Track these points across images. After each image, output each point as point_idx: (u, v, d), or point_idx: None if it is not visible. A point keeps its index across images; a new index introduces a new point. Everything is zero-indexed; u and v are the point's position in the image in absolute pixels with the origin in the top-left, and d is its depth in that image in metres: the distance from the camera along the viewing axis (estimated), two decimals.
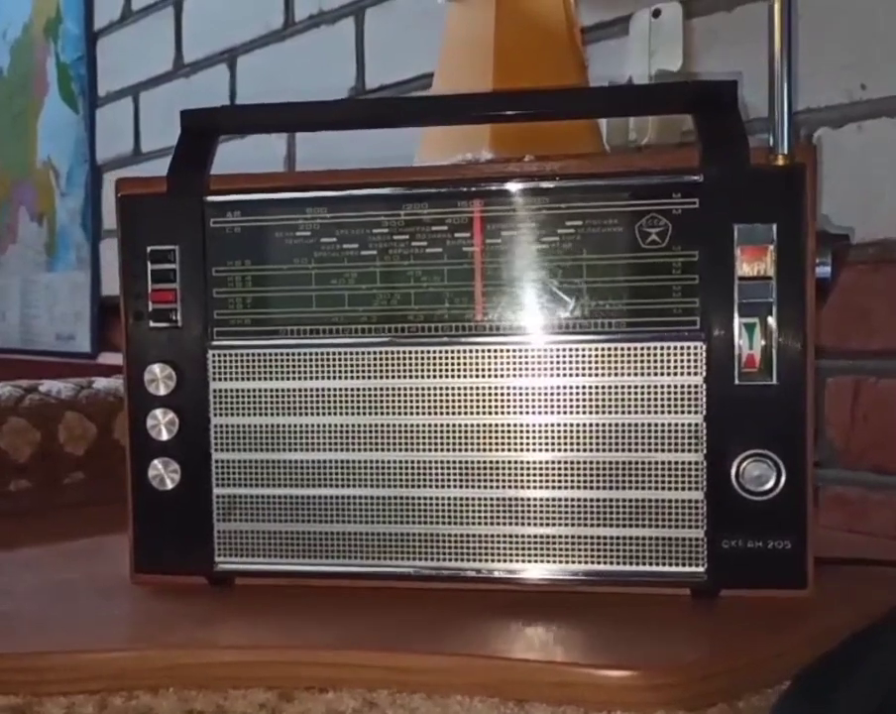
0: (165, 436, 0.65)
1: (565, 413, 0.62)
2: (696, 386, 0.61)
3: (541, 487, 0.62)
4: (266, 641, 0.56)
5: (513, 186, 0.62)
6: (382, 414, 0.64)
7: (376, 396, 0.64)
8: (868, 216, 0.85)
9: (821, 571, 0.62)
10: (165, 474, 0.65)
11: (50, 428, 0.92)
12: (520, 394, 0.62)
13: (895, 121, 0.85)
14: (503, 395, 0.62)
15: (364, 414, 0.64)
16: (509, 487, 0.63)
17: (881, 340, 0.86)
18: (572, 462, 0.62)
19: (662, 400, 0.61)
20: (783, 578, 0.61)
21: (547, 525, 0.62)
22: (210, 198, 0.65)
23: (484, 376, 0.63)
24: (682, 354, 0.61)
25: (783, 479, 0.60)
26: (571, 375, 0.62)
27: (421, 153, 0.83)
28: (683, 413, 0.61)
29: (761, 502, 0.60)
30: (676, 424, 0.61)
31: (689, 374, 0.61)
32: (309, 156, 1.40)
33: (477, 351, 0.63)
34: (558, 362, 0.62)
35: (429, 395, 0.63)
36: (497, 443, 0.63)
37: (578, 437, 0.62)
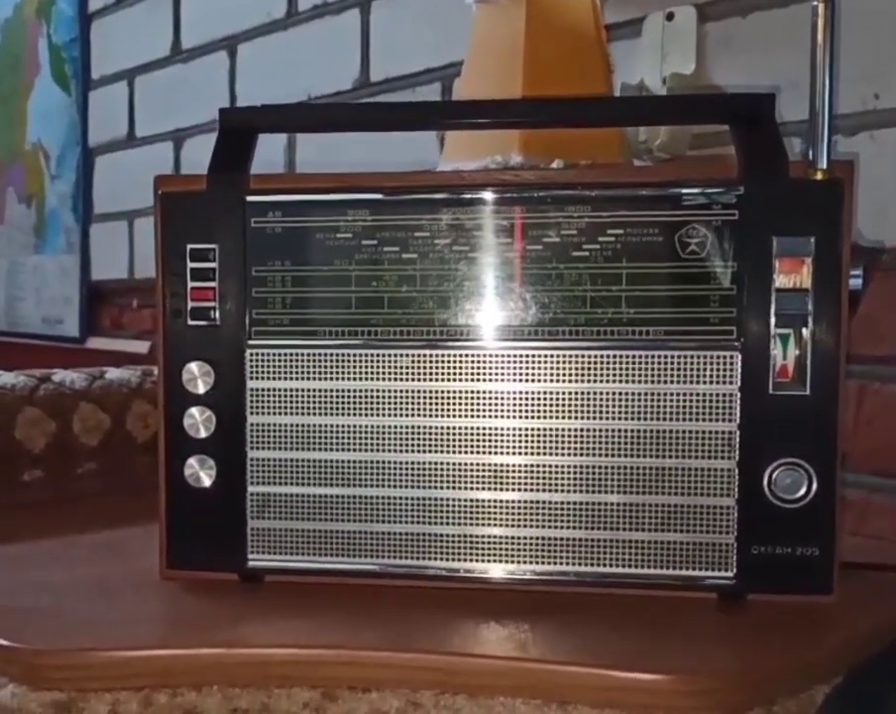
0: (202, 434, 0.65)
1: (601, 418, 0.63)
2: (731, 394, 0.62)
3: (576, 491, 0.63)
4: (310, 640, 0.57)
5: (555, 194, 0.63)
6: (418, 416, 0.64)
7: (413, 398, 0.64)
8: (878, 224, 0.87)
9: (839, 575, 0.63)
10: (201, 471, 0.66)
11: (65, 419, 0.92)
12: (559, 398, 0.63)
13: None
14: (540, 399, 0.63)
15: (401, 415, 0.64)
16: (543, 490, 0.64)
17: (888, 347, 0.88)
18: (607, 467, 0.63)
19: (697, 407, 0.62)
20: (810, 584, 0.62)
21: (580, 528, 0.63)
22: (251, 198, 0.65)
23: (523, 380, 0.63)
24: (718, 363, 0.62)
25: (814, 487, 0.61)
26: (608, 381, 0.63)
27: (448, 154, 0.84)
28: (717, 420, 0.62)
29: (792, 509, 0.61)
30: (710, 432, 0.62)
31: (724, 383, 0.62)
32: (306, 159, 1.40)
33: (515, 355, 0.63)
34: (596, 368, 0.63)
35: (467, 398, 0.64)
36: (533, 447, 0.63)
37: (613, 442, 0.63)
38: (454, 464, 0.64)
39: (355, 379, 0.65)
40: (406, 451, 0.64)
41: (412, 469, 0.65)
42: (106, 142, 1.77)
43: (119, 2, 1.74)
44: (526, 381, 0.63)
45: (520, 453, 0.64)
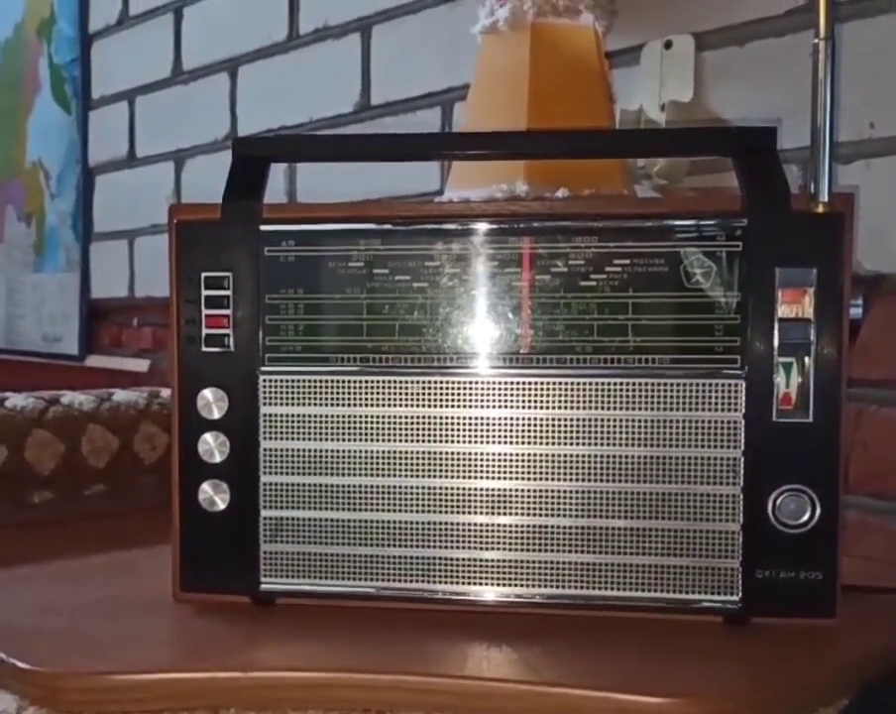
0: (217, 459, 0.66)
1: (608, 444, 0.64)
2: (735, 422, 0.63)
3: (583, 516, 0.64)
4: (324, 663, 0.57)
5: (563, 225, 0.64)
6: (428, 442, 0.65)
7: (423, 424, 0.65)
8: (874, 251, 0.88)
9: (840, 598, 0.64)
10: (215, 496, 0.67)
11: (73, 441, 0.93)
12: (567, 425, 0.64)
13: None
14: (548, 425, 0.64)
15: (411, 441, 0.66)
16: (551, 516, 0.65)
17: (883, 370, 0.89)
18: (614, 493, 0.64)
19: (702, 434, 0.63)
20: (813, 607, 0.63)
21: (587, 552, 0.65)
22: (265, 227, 0.66)
23: (528, 408, 0.64)
24: (723, 391, 0.63)
25: (817, 512, 0.63)
26: (615, 408, 0.64)
27: (454, 182, 0.85)
28: (722, 447, 0.63)
29: (795, 534, 0.63)
30: (715, 458, 0.63)
31: (729, 410, 0.63)
32: (302, 184, 1.42)
33: (523, 383, 0.65)
34: (603, 395, 0.64)
35: (476, 424, 0.65)
36: (541, 473, 0.65)
37: (620, 469, 0.64)
38: (463, 489, 0.65)
39: (366, 405, 0.66)
40: (416, 476, 0.66)
41: (423, 494, 0.66)
42: (106, 161, 1.78)
43: (120, 23, 1.75)
44: (535, 408, 0.64)
45: (529, 479, 0.65)
